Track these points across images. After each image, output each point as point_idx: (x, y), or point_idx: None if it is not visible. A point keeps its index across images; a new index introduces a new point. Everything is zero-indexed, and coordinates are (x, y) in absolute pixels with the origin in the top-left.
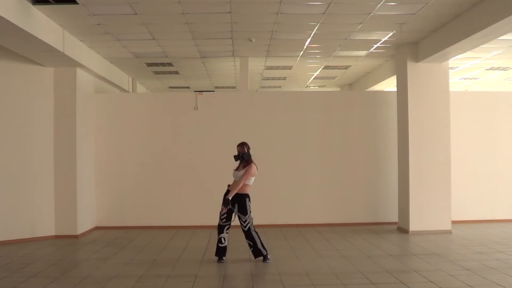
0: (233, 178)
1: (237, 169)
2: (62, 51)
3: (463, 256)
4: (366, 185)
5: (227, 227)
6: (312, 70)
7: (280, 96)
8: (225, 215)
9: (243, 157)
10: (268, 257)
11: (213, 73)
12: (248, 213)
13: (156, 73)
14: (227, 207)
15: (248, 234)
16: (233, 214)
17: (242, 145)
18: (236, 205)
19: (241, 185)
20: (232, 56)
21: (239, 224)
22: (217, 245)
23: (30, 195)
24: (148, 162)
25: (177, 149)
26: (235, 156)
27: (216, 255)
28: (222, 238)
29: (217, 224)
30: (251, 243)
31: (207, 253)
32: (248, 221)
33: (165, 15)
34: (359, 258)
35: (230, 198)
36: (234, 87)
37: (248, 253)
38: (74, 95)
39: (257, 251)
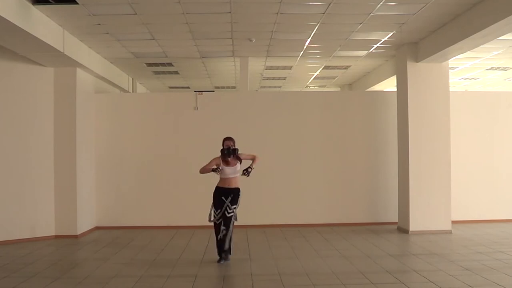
0: (225, 175)
1: (228, 164)
2: (62, 51)
3: (463, 256)
4: (366, 185)
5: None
6: (312, 70)
7: (280, 96)
8: (220, 214)
9: (234, 153)
10: (223, 259)
11: (213, 73)
12: (237, 205)
13: (156, 73)
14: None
15: (228, 222)
16: (224, 207)
17: (232, 139)
18: (230, 197)
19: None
20: (232, 56)
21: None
22: (220, 245)
23: (30, 195)
24: (148, 162)
25: (177, 149)
26: (226, 150)
27: (220, 255)
28: (220, 236)
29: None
30: (225, 231)
31: (207, 253)
32: (233, 211)
33: (165, 15)
34: (359, 258)
35: (251, 169)
36: (234, 87)
37: (248, 253)
38: (74, 95)
39: (223, 243)
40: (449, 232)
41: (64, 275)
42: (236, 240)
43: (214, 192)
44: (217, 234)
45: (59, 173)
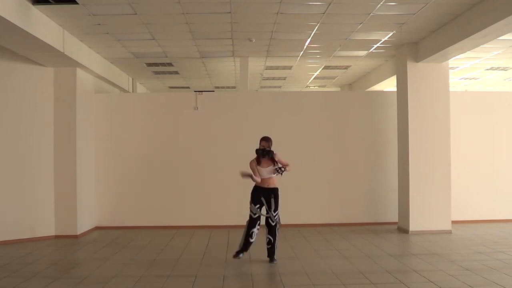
0: (262, 176)
1: (261, 164)
2: (62, 51)
3: (463, 256)
4: (366, 185)
5: (259, 221)
6: (312, 70)
7: (280, 96)
8: (260, 210)
9: (269, 154)
10: (276, 258)
11: (213, 73)
12: (278, 209)
13: (156, 73)
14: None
15: (273, 230)
16: (264, 208)
17: (269, 141)
18: (272, 198)
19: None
20: (232, 56)
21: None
22: (247, 239)
23: (30, 195)
24: (148, 162)
25: (177, 149)
26: (260, 151)
27: (243, 250)
28: (253, 233)
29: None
30: (272, 240)
31: (207, 253)
32: (277, 217)
33: (165, 15)
34: (359, 258)
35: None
36: (234, 87)
37: (248, 253)
38: (74, 95)
39: (273, 250)
40: (449, 232)
41: (64, 275)
42: (236, 240)
43: (252, 192)
44: (250, 229)
45: (59, 173)
